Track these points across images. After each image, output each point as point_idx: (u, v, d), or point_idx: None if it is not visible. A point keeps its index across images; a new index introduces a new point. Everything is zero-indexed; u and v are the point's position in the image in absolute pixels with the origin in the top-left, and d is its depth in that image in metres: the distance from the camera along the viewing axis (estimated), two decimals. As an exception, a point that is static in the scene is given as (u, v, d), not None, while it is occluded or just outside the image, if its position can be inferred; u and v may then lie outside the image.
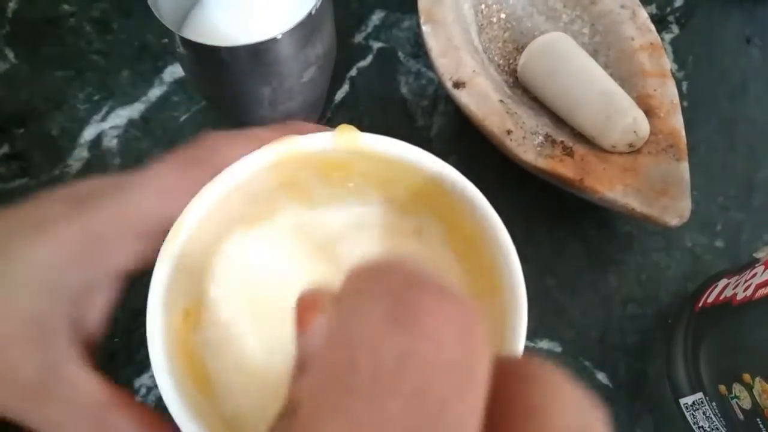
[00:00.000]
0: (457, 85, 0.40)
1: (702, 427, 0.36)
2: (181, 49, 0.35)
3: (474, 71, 0.41)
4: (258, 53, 0.34)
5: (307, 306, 0.17)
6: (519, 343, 0.22)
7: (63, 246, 0.25)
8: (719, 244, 0.43)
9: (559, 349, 0.40)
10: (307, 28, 0.34)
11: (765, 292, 0.31)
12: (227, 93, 0.38)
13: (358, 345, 0.13)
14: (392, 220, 0.27)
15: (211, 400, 0.24)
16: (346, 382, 0.13)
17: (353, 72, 0.47)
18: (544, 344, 0.40)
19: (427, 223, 0.27)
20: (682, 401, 0.37)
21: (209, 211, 0.24)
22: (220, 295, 0.26)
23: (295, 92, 0.38)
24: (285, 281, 0.27)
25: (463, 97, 0.40)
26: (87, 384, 0.25)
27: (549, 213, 0.43)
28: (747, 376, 0.32)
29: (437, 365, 0.13)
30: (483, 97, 0.40)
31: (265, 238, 0.27)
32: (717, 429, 0.35)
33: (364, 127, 0.46)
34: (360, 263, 0.16)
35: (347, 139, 0.25)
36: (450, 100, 0.45)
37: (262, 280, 0.27)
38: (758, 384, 0.31)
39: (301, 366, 0.17)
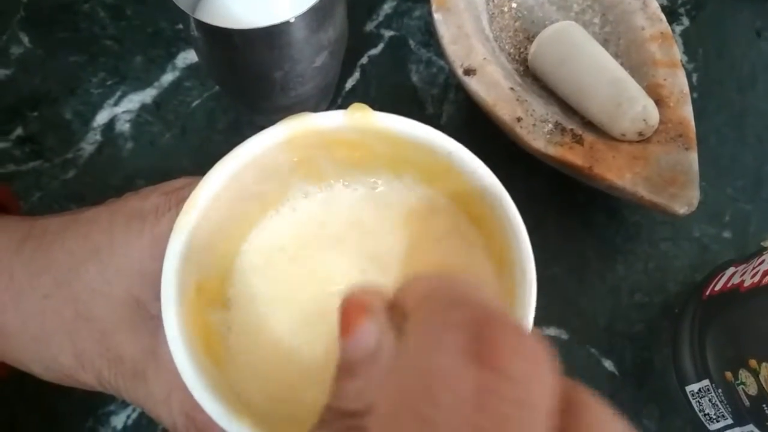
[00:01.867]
0: (468, 72, 0.41)
1: (708, 414, 0.37)
2: (195, 33, 0.36)
3: (485, 59, 0.41)
4: (271, 36, 0.34)
5: (353, 309, 0.17)
6: (528, 317, 0.23)
7: (156, 238, 0.27)
8: (727, 234, 0.43)
9: (565, 337, 0.40)
10: (320, 12, 0.34)
11: (772, 278, 0.32)
12: (239, 77, 0.38)
13: (437, 375, 0.13)
14: (404, 200, 0.28)
15: (224, 373, 0.25)
16: (422, 412, 0.13)
17: (364, 60, 0.47)
18: (551, 331, 0.41)
19: (439, 202, 0.28)
20: (688, 389, 0.37)
21: (224, 187, 0.24)
22: (244, 277, 0.26)
23: (307, 77, 0.38)
24: (311, 263, 0.27)
25: (473, 83, 0.40)
26: None
27: (557, 202, 0.44)
28: (753, 362, 0.32)
29: (514, 403, 0.13)
30: (493, 85, 0.40)
31: (287, 218, 0.28)
32: (723, 416, 0.36)
33: (374, 115, 0.46)
34: (419, 277, 0.16)
35: (360, 117, 0.25)
36: (460, 89, 0.46)
37: (287, 262, 0.27)
38: (764, 369, 0.31)
39: (347, 370, 0.17)
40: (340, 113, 0.25)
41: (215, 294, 0.26)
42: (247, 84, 0.39)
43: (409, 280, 0.17)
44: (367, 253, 0.26)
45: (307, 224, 0.27)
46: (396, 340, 0.16)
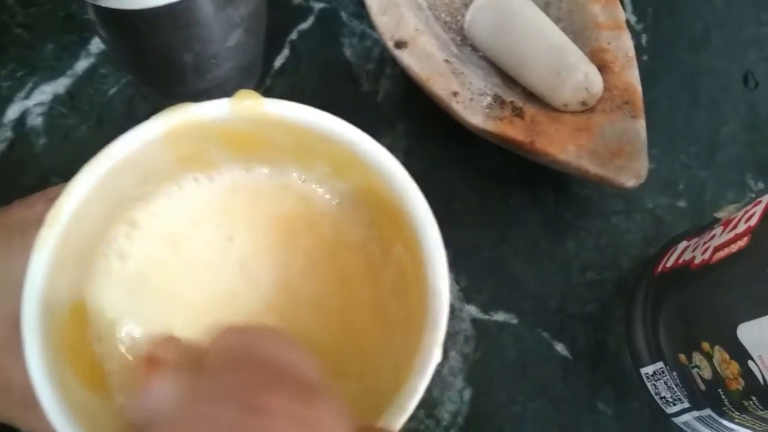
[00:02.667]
0: (399, 44, 0.38)
1: (664, 397, 0.35)
2: (92, 16, 0.32)
3: (416, 29, 0.38)
4: (172, 16, 0.31)
5: (151, 359, 0.15)
6: (440, 327, 0.20)
7: None
8: (681, 204, 0.41)
9: (515, 321, 0.38)
10: (224, -14, 0.31)
11: (723, 255, 0.29)
12: (147, 62, 0.35)
13: None
14: (309, 195, 0.25)
15: (112, 402, 0.22)
16: None
17: (293, 35, 0.44)
18: (499, 317, 0.38)
19: (349, 195, 0.25)
20: (643, 371, 0.36)
21: (95, 191, 0.21)
22: (115, 285, 0.23)
23: (222, 58, 0.35)
24: (196, 266, 0.24)
25: (405, 57, 0.37)
26: None
27: (503, 179, 0.41)
28: (706, 345, 0.30)
29: None
30: (426, 57, 0.37)
31: (170, 219, 0.25)
32: (679, 399, 0.34)
33: (306, 95, 0.44)
34: (230, 329, 0.15)
35: (248, 105, 0.22)
36: (397, 63, 0.43)
37: (168, 264, 0.24)
38: (718, 353, 0.29)
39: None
40: (225, 102, 0.22)
41: (97, 313, 0.23)
42: (156, 69, 0.35)
43: (221, 331, 0.15)
44: (256, 262, 0.24)
45: (199, 223, 0.24)
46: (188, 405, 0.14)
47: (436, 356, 0.20)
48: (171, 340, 0.16)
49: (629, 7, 0.46)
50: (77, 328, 0.22)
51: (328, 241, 0.25)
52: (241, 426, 0.12)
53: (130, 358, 0.22)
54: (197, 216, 0.24)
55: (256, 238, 0.24)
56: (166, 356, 0.15)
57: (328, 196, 0.25)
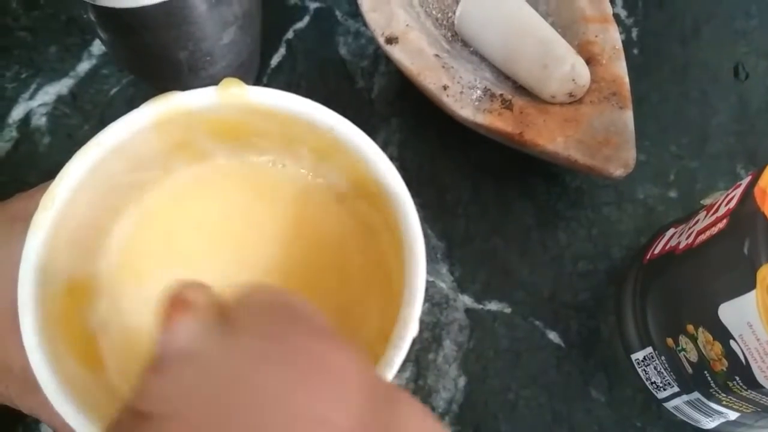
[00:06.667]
0: (390, 40, 0.39)
1: (654, 382, 0.35)
2: (90, 16, 0.34)
3: (407, 25, 0.39)
4: (165, 14, 0.32)
5: (176, 303, 0.16)
6: (416, 302, 0.21)
7: None
8: (672, 194, 0.42)
9: (508, 311, 0.39)
10: (217, -15, 0.32)
11: (704, 238, 0.30)
12: (144, 60, 0.36)
13: (231, 381, 0.14)
14: (301, 180, 0.26)
15: (104, 377, 0.23)
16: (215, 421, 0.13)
17: (289, 34, 0.45)
18: (493, 306, 0.39)
19: (337, 181, 0.26)
20: (634, 357, 0.36)
21: (87, 176, 0.22)
22: (113, 269, 0.24)
23: (216, 56, 0.36)
24: (182, 259, 0.25)
25: (396, 52, 0.38)
26: None
27: (496, 171, 0.42)
28: (691, 327, 0.31)
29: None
30: (417, 52, 0.38)
31: (168, 205, 0.26)
32: (669, 384, 0.34)
33: (302, 92, 0.45)
34: (252, 289, 0.17)
35: (234, 93, 0.23)
36: (391, 60, 0.44)
37: (164, 250, 0.25)
38: (701, 335, 0.30)
39: (155, 366, 0.16)
40: (212, 90, 0.23)
41: (92, 292, 0.24)
42: (153, 67, 0.36)
43: (246, 289, 0.17)
44: (247, 246, 0.24)
45: (184, 214, 0.25)
46: (220, 346, 0.15)
47: (413, 329, 0.21)
48: (201, 286, 0.17)
49: (619, 1, 0.46)
50: (73, 306, 0.22)
51: (315, 218, 0.25)
52: (266, 357, 0.14)
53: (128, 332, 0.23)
54: (190, 200, 0.25)
55: (248, 217, 0.25)
56: (197, 299, 0.16)
57: (316, 180, 0.26)
